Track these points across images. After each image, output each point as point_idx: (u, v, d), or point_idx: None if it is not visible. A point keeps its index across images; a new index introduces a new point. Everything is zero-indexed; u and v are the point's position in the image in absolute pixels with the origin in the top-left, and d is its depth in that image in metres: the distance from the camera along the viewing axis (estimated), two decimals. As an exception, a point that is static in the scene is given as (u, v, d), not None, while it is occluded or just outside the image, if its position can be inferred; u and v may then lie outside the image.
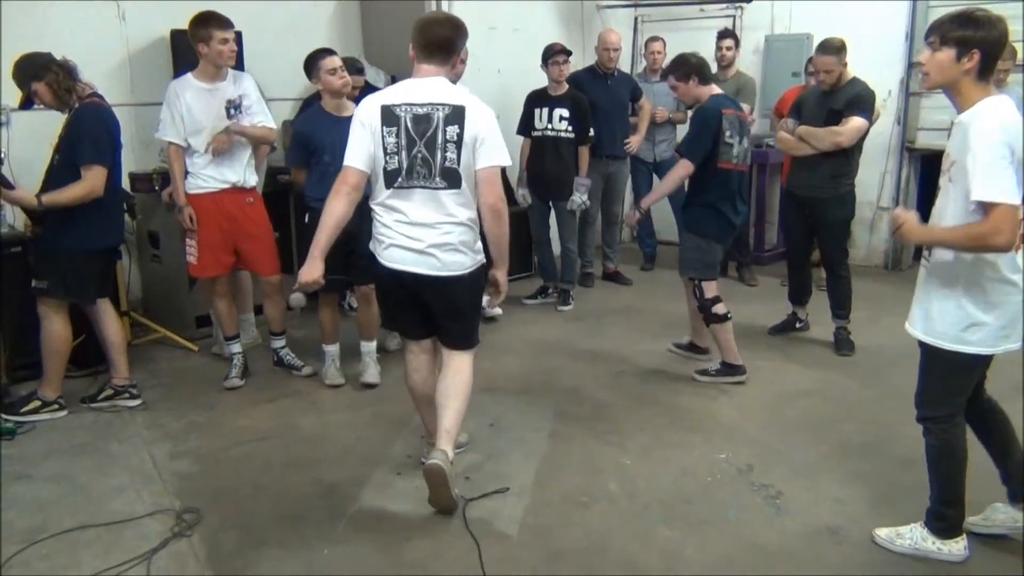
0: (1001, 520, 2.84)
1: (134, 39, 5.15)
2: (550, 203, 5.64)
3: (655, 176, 6.42)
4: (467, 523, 2.99)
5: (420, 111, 2.86)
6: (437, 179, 2.89)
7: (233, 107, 4.19)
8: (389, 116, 2.87)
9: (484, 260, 3.08)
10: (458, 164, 2.87)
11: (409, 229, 2.93)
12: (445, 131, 2.86)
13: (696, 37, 6.63)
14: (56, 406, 3.93)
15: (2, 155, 3.56)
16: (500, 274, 3.10)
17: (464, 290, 3.04)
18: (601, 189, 6.00)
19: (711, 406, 4.04)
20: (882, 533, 2.86)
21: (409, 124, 2.86)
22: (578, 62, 6.17)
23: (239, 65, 4.47)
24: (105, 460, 3.51)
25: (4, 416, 3.81)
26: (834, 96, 4.51)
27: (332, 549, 2.87)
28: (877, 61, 6.02)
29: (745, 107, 5.85)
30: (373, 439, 3.70)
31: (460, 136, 2.85)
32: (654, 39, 6.36)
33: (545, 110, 5.44)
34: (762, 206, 6.69)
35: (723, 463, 3.45)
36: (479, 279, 3.10)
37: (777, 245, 6.79)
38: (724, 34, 6.03)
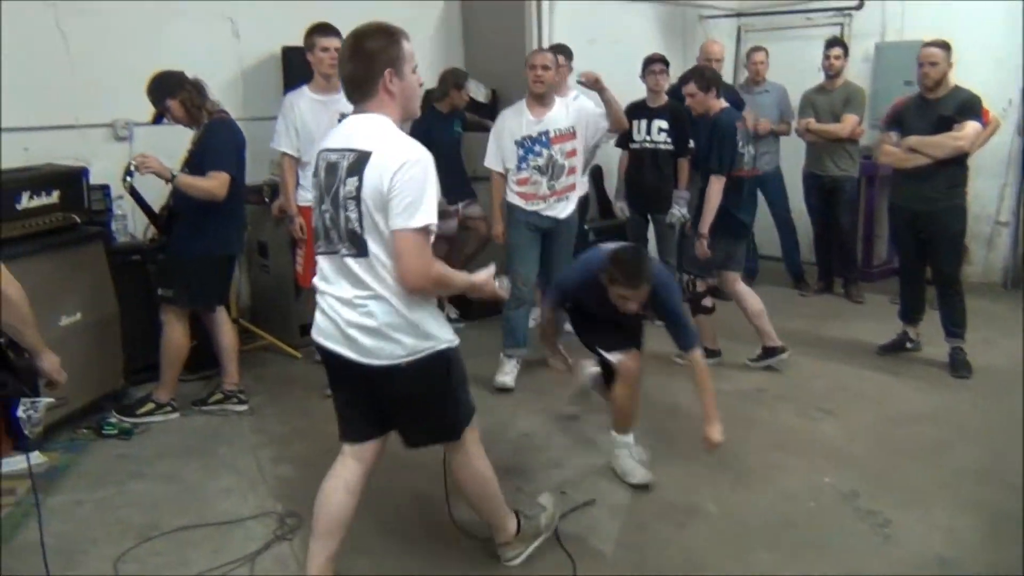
0: None
1: (247, 56, 5.36)
2: (648, 216, 5.58)
3: (758, 189, 6.28)
4: (561, 539, 2.97)
5: (332, 158, 2.33)
6: (345, 244, 2.32)
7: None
8: (317, 164, 2.40)
9: (441, 346, 2.40)
10: (360, 226, 2.27)
11: (331, 301, 2.40)
12: (345, 183, 2.28)
13: (802, 46, 6.50)
14: (169, 408, 4.11)
15: (132, 167, 3.78)
16: None
17: (409, 383, 2.40)
18: (700, 202, 5.89)
19: (814, 427, 3.91)
20: None
21: (321, 175, 2.36)
22: (680, 73, 6.10)
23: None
24: (214, 462, 3.65)
25: (122, 417, 4.01)
26: (941, 104, 4.33)
27: (426, 559, 2.91)
28: (996, 69, 5.75)
29: (854, 117, 5.68)
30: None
31: (359, 190, 2.24)
32: (757, 49, 6.23)
33: (643, 122, 5.39)
34: (870, 220, 6.46)
35: (827, 487, 3.34)
36: (432, 367, 2.41)
37: (887, 260, 6.54)
38: (832, 43, 5.85)
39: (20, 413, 2.11)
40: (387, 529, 3.09)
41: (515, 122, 4.44)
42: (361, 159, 2.24)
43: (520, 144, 4.39)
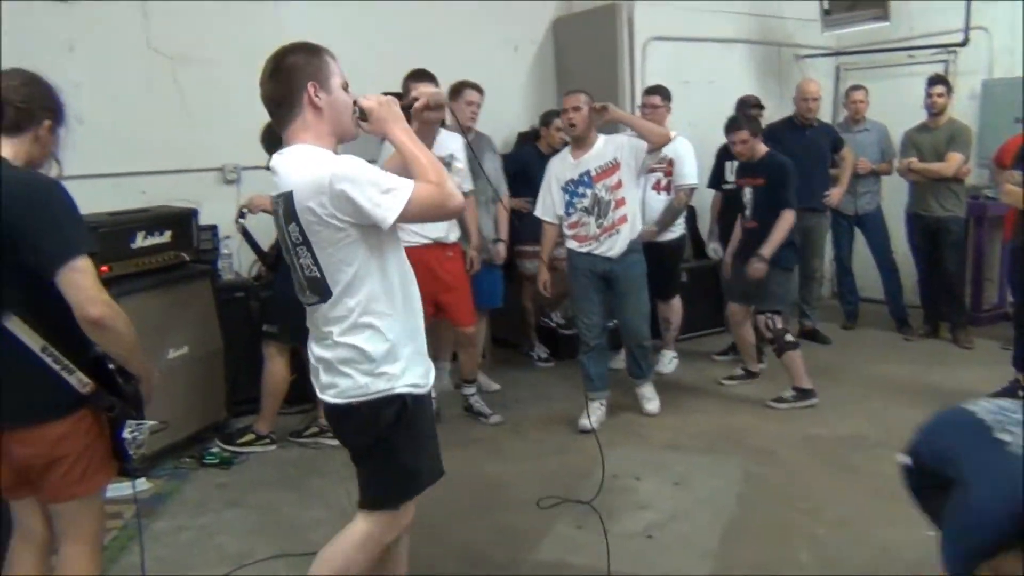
0: None
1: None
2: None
3: (856, 229, 6.14)
4: (648, 582, 2.93)
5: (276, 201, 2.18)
6: (307, 292, 2.20)
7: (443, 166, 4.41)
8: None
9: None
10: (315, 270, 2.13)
11: None
12: (288, 231, 2.14)
13: (903, 84, 6.35)
14: (268, 440, 4.25)
15: (244, 209, 4.02)
16: None
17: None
18: (798, 240, 5.78)
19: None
20: None
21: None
22: (775, 113, 6.05)
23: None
24: (308, 494, 3.74)
25: (223, 447, 4.17)
26: None
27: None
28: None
29: (959, 156, 5.49)
30: (556, 490, 3.72)
31: (302, 234, 2.09)
32: (856, 88, 6.11)
33: (735, 162, 5.34)
34: (979, 262, 6.19)
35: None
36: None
37: (997, 304, 6.25)
38: (935, 80, 5.68)
39: (126, 434, 2.22)
40: (475, 563, 3.11)
41: (560, 168, 4.45)
42: (288, 200, 2.09)
43: (565, 189, 4.39)
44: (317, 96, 2.11)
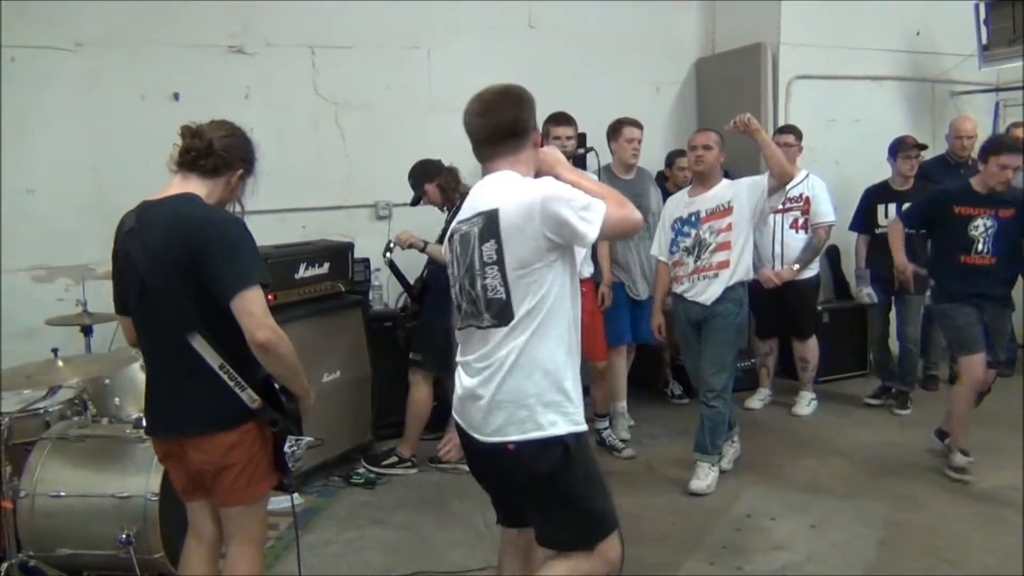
0: None
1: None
2: (892, 298, 5.34)
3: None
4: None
5: (464, 228, 2.30)
6: (485, 315, 2.25)
7: None
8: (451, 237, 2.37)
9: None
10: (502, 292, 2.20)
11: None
12: (481, 251, 2.22)
13: (1068, 121, 6.01)
14: (409, 463, 4.45)
15: (391, 244, 4.30)
16: None
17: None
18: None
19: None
20: None
21: (458, 248, 2.32)
22: (931, 153, 5.86)
23: (582, 164, 4.88)
24: (446, 516, 3.90)
25: (369, 468, 4.41)
26: None
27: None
28: None
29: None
30: (689, 525, 3.73)
31: (499, 253, 2.18)
32: (1016, 125, 5.83)
33: (892, 206, 5.19)
34: None
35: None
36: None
37: None
38: (1104, 117, 5.39)
39: (286, 448, 2.44)
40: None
41: (674, 206, 4.33)
42: (491, 219, 2.19)
43: (672, 227, 4.27)
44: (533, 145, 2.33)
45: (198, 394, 2.34)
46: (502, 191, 2.22)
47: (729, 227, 4.07)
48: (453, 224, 2.36)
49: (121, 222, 2.42)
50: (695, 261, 4.15)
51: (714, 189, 4.17)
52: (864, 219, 5.41)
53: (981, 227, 4.13)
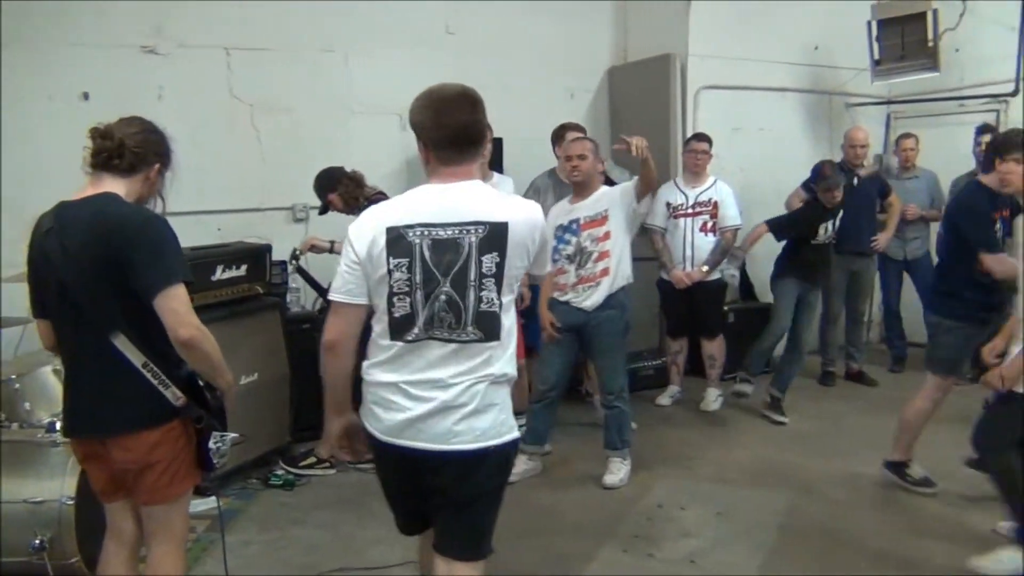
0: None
1: (412, 146, 5.83)
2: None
3: (906, 274, 6.22)
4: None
5: (442, 235, 2.11)
6: (469, 328, 2.13)
7: None
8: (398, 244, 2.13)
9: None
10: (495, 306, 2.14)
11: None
12: (480, 262, 2.11)
13: (954, 133, 6.43)
14: (328, 464, 4.47)
15: (296, 252, 4.38)
16: None
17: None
18: (845, 285, 5.90)
19: (962, 516, 3.80)
20: (984, 563, 3.18)
21: (427, 254, 2.11)
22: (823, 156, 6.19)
23: (499, 168, 5.01)
24: (366, 514, 3.93)
25: (288, 468, 4.41)
26: None
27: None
28: None
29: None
30: (603, 516, 3.87)
31: (500, 267, 2.11)
32: (906, 136, 6.23)
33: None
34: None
35: None
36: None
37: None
38: (983, 129, 5.76)
39: (211, 445, 2.46)
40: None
41: (555, 213, 4.32)
42: (497, 232, 2.10)
43: (555, 234, 4.21)
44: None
45: (122, 393, 2.34)
46: (501, 203, 2.16)
47: (607, 235, 4.16)
48: (410, 226, 2.11)
49: (38, 223, 2.39)
50: (577, 270, 4.20)
51: (592, 197, 4.24)
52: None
53: (1000, 231, 3.79)
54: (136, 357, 2.31)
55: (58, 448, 3.09)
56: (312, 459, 4.47)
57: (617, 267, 4.17)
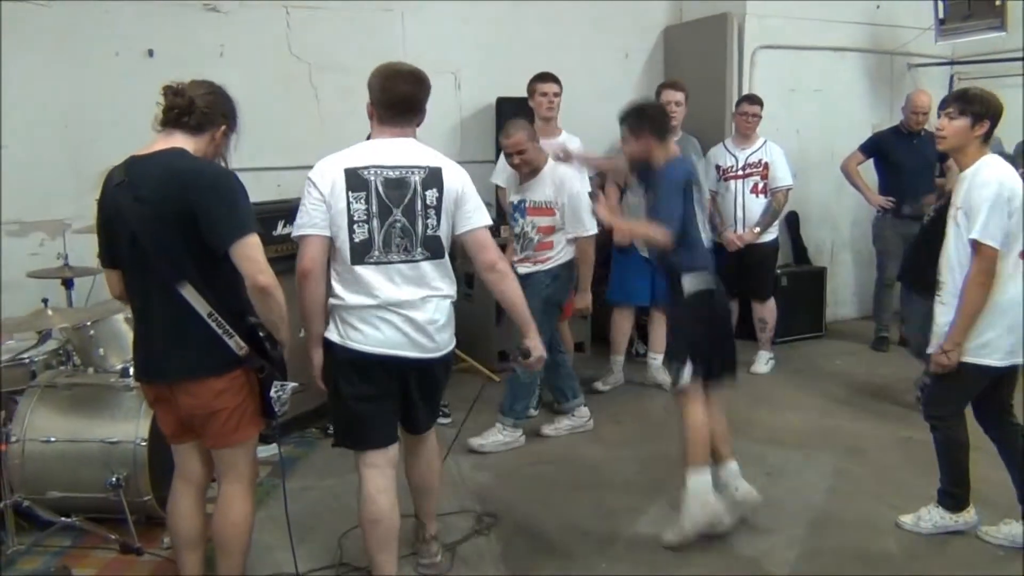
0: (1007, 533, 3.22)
1: (466, 105, 5.90)
2: None
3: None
4: (736, 559, 3.12)
5: (392, 175, 2.61)
6: (419, 249, 2.63)
7: None
8: (356, 180, 2.59)
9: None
10: (438, 231, 2.65)
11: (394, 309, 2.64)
12: (424, 196, 2.62)
13: (1020, 94, 6.25)
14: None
15: None
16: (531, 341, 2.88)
17: (444, 370, 2.84)
18: (901, 250, 5.82)
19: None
20: (907, 520, 3.34)
21: (380, 190, 2.59)
22: (888, 122, 6.09)
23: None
24: (418, 464, 4.06)
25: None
26: None
27: (608, 565, 3.15)
28: None
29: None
30: (652, 474, 3.93)
31: (439, 200, 2.64)
32: (970, 97, 6.08)
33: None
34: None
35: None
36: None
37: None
38: (1052, 91, 5.63)
39: (272, 393, 2.56)
40: (576, 535, 3.36)
41: (510, 183, 4.49)
42: (435, 173, 2.64)
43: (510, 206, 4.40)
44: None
45: (188, 341, 2.43)
46: (430, 154, 2.69)
47: (551, 228, 4.20)
48: (365, 167, 2.60)
49: (108, 176, 2.47)
50: (520, 251, 4.28)
51: (541, 174, 4.20)
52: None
53: None
54: (202, 307, 2.40)
55: (131, 392, 3.23)
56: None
57: (558, 255, 4.21)
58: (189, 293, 2.40)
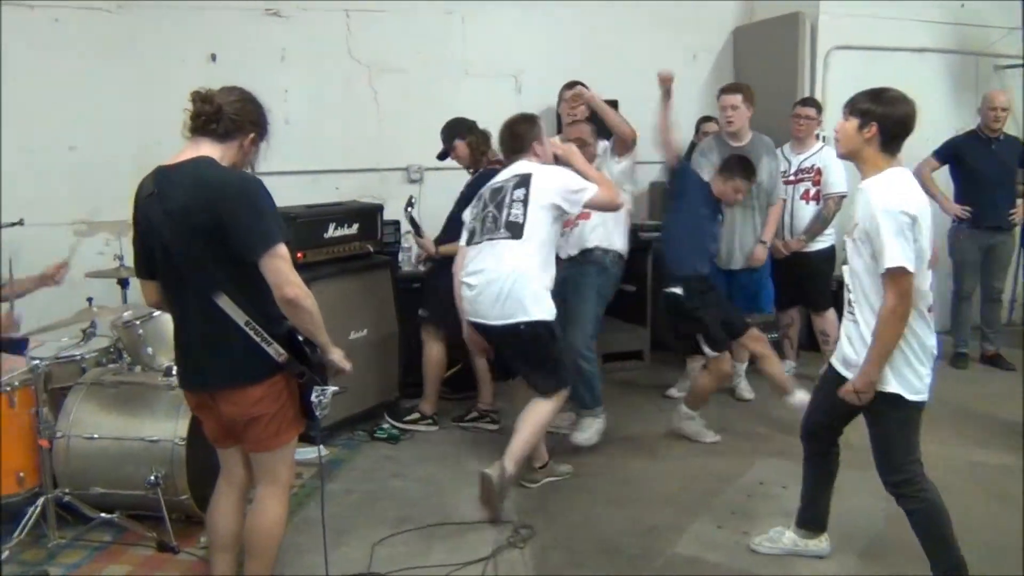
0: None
1: (527, 109, 5.81)
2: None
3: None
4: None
5: (496, 184, 3.69)
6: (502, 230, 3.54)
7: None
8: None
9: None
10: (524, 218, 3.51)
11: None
12: (513, 192, 3.55)
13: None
14: (431, 421, 4.58)
15: (412, 199, 4.50)
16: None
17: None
18: (980, 261, 5.52)
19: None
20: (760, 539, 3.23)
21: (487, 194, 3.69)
22: (970, 126, 5.79)
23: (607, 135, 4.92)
24: (463, 472, 4.02)
25: (393, 423, 4.54)
26: None
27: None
28: None
29: None
30: (698, 490, 3.81)
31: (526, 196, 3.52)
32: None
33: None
34: None
35: None
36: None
37: None
38: None
39: (313, 398, 2.56)
40: (613, 552, 3.28)
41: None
42: (525, 178, 3.55)
43: None
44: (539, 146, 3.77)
45: (226, 351, 2.44)
46: (532, 167, 3.63)
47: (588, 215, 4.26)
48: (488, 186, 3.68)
49: (140, 187, 2.49)
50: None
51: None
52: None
53: None
54: (238, 316, 2.41)
55: (173, 391, 3.29)
56: (416, 415, 4.59)
57: (601, 222, 4.32)
58: (225, 303, 2.41)
